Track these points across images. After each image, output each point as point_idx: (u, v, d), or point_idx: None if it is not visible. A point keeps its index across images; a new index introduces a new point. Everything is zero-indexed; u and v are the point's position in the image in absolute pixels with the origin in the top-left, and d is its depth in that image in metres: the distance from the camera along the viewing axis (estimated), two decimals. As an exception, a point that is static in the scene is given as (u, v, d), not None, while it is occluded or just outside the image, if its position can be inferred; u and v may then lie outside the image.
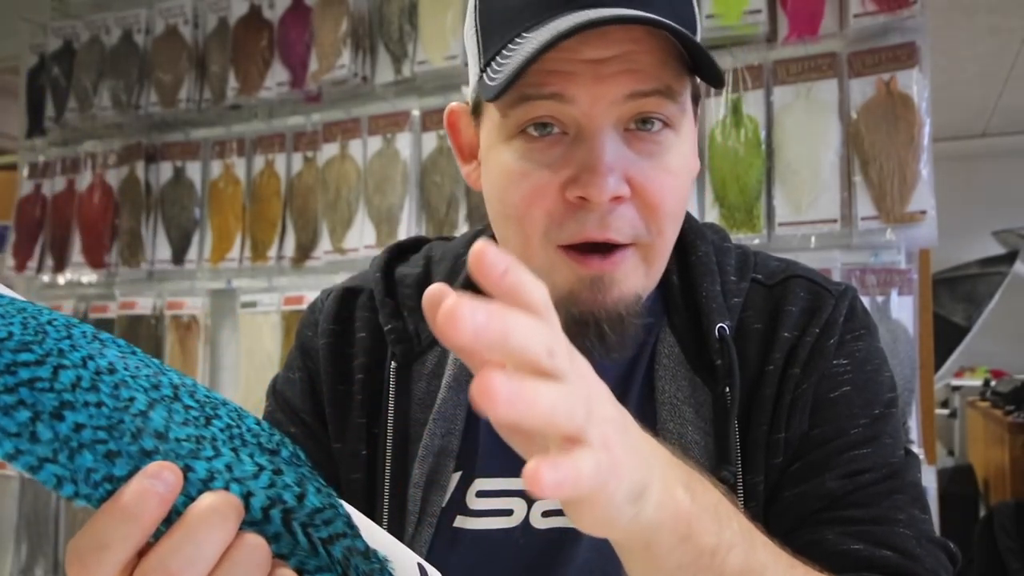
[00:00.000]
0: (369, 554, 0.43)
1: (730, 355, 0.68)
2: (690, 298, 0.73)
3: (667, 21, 0.59)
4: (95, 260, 2.39)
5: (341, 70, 2.07)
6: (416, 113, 2.05)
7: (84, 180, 2.46)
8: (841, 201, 1.63)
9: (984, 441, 4.00)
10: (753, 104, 1.71)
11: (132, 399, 0.39)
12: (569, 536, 0.68)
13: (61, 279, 2.46)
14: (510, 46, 0.61)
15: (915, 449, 1.53)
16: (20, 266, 2.51)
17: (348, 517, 0.44)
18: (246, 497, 0.40)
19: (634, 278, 0.65)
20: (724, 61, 1.74)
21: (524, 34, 0.61)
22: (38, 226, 2.52)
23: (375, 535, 0.45)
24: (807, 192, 1.66)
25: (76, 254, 2.43)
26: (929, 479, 1.54)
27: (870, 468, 0.66)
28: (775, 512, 0.67)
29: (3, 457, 0.37)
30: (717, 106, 1.74)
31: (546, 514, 0.70)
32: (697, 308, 0.72)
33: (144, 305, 2.30)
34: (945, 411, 4.47)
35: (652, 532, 0.44)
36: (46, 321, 0.40)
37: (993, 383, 4.14)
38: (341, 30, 2.09)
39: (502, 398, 0.34)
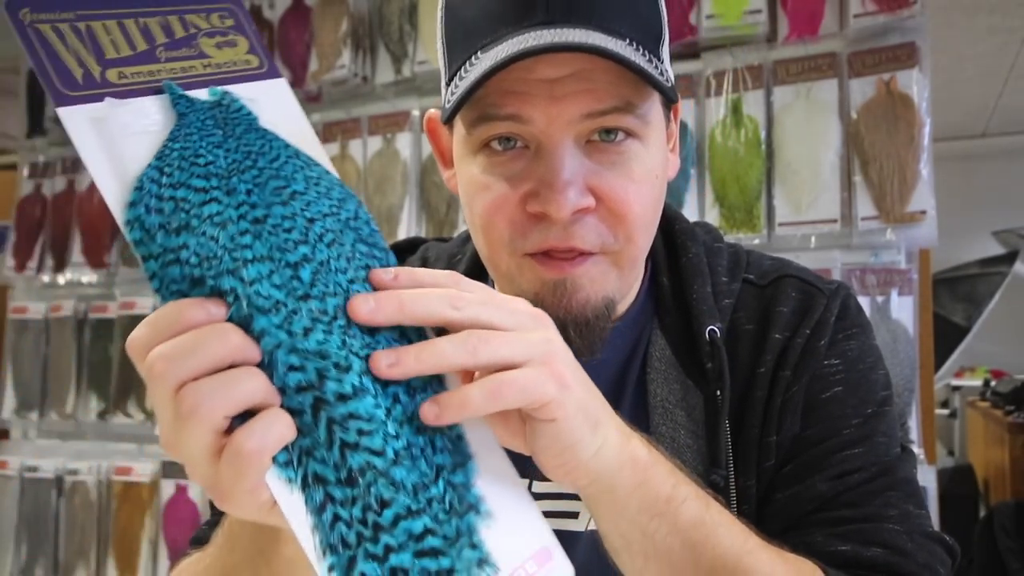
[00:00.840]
0: (404, 490, 0.42)
1: (720, 358, 0.68)
2: (681, 300, 0.72)
3: (606, 47, 0.57)
4: (95, 260, 2.39)
5: (341, 70, 2.07)
6: (416, 113, 2.06)
7: (84, 180, 2.45)
8: (841, 201, 1.63)
9: (984, 441, 3.99)
10: (753, 104, 1.71)
11: (248, 246, 0.43)
12: (567, 537, 0.68)
13: (61, 279, 2.45)
14: (467, 65, 0.61)
15: (915, 449, 1.53)
16: (20, 266, 2.50)
17: (400, 452, 0.43)
18: (290, 367, 0.42)
19: (602, 282, 0.64)
20: (724, 61, 1.74)
21: (480, 53, 0.60)
22: (38, 226, 2.51)
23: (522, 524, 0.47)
24: (807, 192, 1.65)
25: (76, 254, 2.42)
26: (929, 479, 1.54)
27: (861, 467, 0.66)
28: (768, 514, 0.67)
29: (129, 236, 0.44)
30: (717, 106, 1.74)
31: (544, 515, 0.70)
32: (688, 310, 0.71)
33: (144, 305, 2.30)
34: (945, 411, 4.46)
35: (614, 475, 0.49)
36: (271, 176, 0.46)
37: (993, 383, 4.13)
38: (341, 30, 2.09)
39: (384, 363, 0.43)
